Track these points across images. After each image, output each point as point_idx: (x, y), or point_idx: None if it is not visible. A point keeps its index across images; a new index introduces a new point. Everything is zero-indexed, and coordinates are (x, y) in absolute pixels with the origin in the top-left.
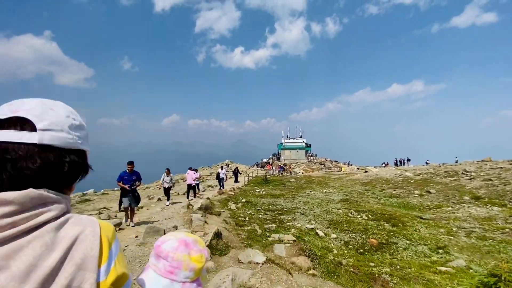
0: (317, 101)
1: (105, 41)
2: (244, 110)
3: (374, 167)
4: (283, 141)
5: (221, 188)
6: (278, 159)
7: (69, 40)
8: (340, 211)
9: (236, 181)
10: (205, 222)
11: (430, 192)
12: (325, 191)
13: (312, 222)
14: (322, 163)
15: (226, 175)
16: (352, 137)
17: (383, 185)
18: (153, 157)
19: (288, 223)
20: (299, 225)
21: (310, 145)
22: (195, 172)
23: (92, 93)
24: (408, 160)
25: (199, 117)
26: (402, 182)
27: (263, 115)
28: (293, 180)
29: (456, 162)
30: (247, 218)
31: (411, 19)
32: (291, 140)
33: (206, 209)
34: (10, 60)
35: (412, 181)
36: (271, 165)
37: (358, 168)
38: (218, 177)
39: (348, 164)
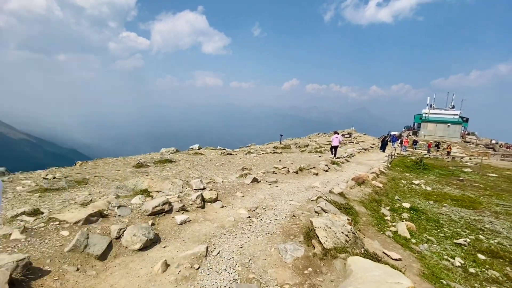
0: (479, 61)
1: (240, 10)
2: (370, 74)
3: None
4: (425, 111)
5: (334, 156)
6: (415, 133)
7: (213, 12)
8: None
9: (383, 149)
10: None
11: None
12: None
13: None
14: (489, 146)
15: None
16: None
17: None
18: (272, 119)
19: None
20: None
21: (467, 119)
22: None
23: (228, 59)
24: None
25: (318, 82)
26: None
27: (394, 80)
28: (467, 169)
29: None
30: None
31: None
32: (438, 111)
33: None
34: (174, 34)
35: None
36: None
37: None
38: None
39: None
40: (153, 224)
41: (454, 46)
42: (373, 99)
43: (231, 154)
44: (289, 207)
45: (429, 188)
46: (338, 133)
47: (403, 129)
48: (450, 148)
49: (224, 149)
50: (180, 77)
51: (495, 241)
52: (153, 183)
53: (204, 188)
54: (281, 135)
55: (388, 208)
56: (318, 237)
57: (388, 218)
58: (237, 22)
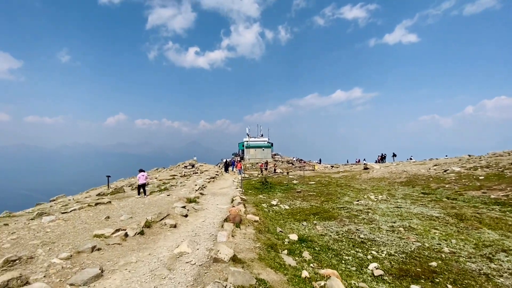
0: (270, 103)
1: (38, 30)
2: (198, 110)
3: (344, 164)
4: (246, 139)
5: (142, 195)
6: (242, 158)
7: None
8: None
9: (226, 171)
10: None
11: None
12: (377, 199)
13: None
14: (290, 161)
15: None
16: (303, 138)
17: (445, 185)
18: (93, 160)
19: None
20: None
21: (272, 143)
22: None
23: (18, 87)
24: (394, 155)
25: (149, 117)
26: (466, 179)
27: (218, 116)
28: (295, 181)
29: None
30: None
31: (351, 33)
32: (254, 139)
33: None
34: None
35: (481, 177)
36: (240, 163)
37: (332, 167)
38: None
39: (319, 162)
40: None
41: (254, 91)
42: (202, 133)
43: None
44: None
45: (286, 207)
46: (143, 171)
47: (232, 156)
48: (275, 166)
49: None
50: None
51: (384, 253)
52: None
53: None
54: (109, 177)
55: (286, 252)
56: None
57: (306, 273)
58: (32, 43)
